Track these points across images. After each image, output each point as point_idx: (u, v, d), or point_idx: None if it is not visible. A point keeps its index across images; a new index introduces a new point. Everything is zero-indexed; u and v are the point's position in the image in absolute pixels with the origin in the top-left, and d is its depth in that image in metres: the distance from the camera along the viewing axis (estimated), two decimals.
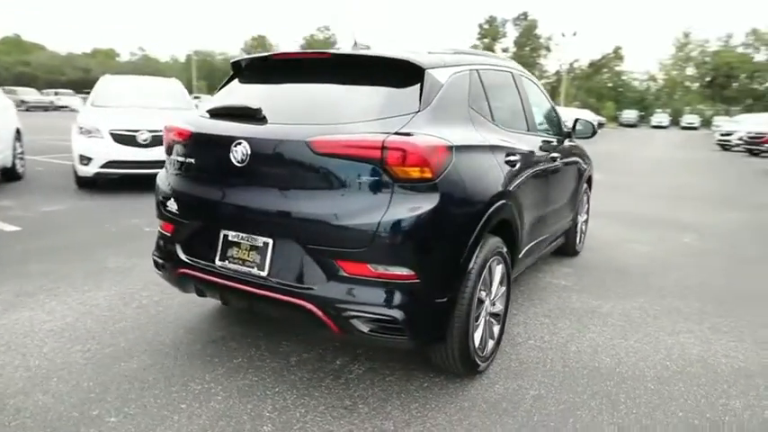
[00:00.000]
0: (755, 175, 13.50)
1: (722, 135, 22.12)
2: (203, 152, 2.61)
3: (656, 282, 4.41)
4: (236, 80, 2.91)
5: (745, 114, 33.66)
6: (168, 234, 2.76)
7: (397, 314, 2.16)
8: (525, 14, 66.89)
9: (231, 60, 2.98)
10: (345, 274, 2.19)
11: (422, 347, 2.61)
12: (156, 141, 7.33)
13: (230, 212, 2.47)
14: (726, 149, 21.66)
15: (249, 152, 2.35)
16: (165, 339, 3.04)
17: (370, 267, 2.16)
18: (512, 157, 2.88)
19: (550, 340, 3.19)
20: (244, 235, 2.43)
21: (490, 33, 67.84)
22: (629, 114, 54.78)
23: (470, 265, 2.39)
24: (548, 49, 67.71)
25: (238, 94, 2.79)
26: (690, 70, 61.52)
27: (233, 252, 2.46)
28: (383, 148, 2.12)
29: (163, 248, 2.82)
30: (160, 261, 2.82)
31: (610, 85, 66.02)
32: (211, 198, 2.53)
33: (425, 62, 2.44)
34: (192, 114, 2.82)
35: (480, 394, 2.57)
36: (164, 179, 2.81)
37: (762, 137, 18.65)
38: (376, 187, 2.15)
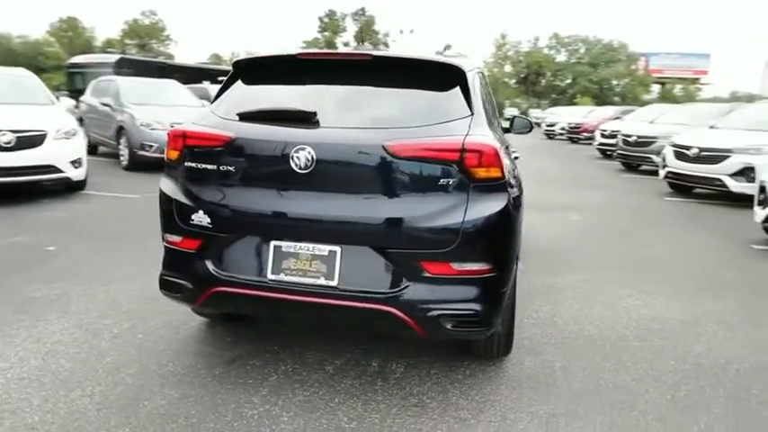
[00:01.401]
0: (584, 159, 15.90)
1: (548, 125, 25.54)
2: (250, 159, 2.41)
3: (579, 256, 5.10)
4: (243, 80, 2.70)
5: (560, 107, 39.19)
6: (192, 251, 2.48)
7: (478, 307, 2.28)
8: (363, 10, 68.87)
9: (235, 60, 2.76)
10: (429, 275, 2.24)
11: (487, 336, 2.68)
12: (22, 144, 6.24)
13: (285, 222, 2.34)
14: (551, 138, 25.05)
15: (314, 158, 2.24)
16: (176, 368, 2.73)
17: (452, 266, 2.24)
18: (511, 154, 3.14)
19: (538, 317, 3.56)
20: (303, 245, 2.32)
21: (331, 27, 68.50)
22: None
23: (518, 254, 2.60)
24: (386, 45, 70.60)
25: (268, 95, 2.61)
26: (507, 68, 69.37)
27: (289, 264, 2.33)
28: (462, 150, 2.21)
29: (183, 267, 2.53)
30: (179, 282, 2.52)
31: None
32: (259, 208, 2.36)
33: (463, 65, 2.55)
34: (209, 118, 2.56)
35: (518, 372, 2.80)
36: (178, 189, 2.51)
37: (579, 127, 21.98)
38: (454, 188, 2.23)
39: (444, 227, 2.21)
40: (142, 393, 2.48)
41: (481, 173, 2.24)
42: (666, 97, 58.88)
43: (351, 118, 2.40)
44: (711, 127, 9.41)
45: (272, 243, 2.35)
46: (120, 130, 9.65)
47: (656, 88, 63.17)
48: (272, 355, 2.90)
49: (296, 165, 2.27)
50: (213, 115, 2.57)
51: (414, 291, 2.24)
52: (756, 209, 5.76)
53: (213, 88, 14.75)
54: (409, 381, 2.68)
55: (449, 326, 2.26)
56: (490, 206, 2.27)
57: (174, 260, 2.58)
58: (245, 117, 2.45)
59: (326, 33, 69.05)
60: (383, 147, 2.22)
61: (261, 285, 2.35)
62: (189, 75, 18.80)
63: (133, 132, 9.32)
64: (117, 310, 3.40)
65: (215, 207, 2.40)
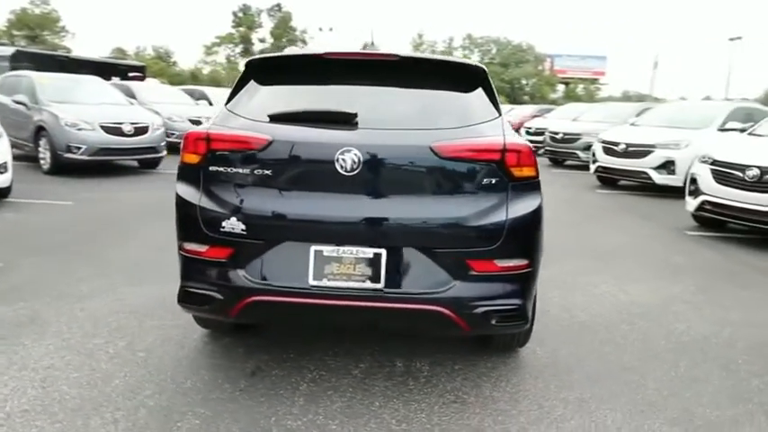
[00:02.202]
0: None
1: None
2: (290, 162, 2.32)
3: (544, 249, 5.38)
4: (259, 80, 2.59)
5: None
6: (222, 260, 2.35)
7: (519, 302, 2.36)
8: (279, 6, 67.45)
9: (249, 58, 2.64)
10: (475, 273, 2.29)
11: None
12: None
13: (327, 226, 2.28)
14: None
15: (361, 159, 2.21)
16: (196, 385, 2.57)
17: (496, 263, 2.30)
18: None
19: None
20: (346, 248, 2.28)
21: (245, 22, 66.44)
22: None
23: None
24: (304, 42, 69.70)
25: (294, 96, 2.52)
26: None
27: (332, 268, 2.28)
28: (503, 150, 2.27)
29: (210, 278, 2.38)
30: (207, 294, 2.38)
31: None
32: (300, 212, 2.28)
33: (481, 66, 2.62)
34: (232, 119, 2.43)
35: (535, 361, 2.93)
36: (203, 195, 2.36)
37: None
38: (496, 187, 2.30)
39: (489, 225, 2.27)
40: (171, 415, 2.32)
41: (519, 172, 2.32)
42: (570, 96, 63.09)
43: (389, 119, 2.39)
44: (633, 124, 10.26)
45: (313, 248, 2.29)
46: (40, 131, 8.81)
47: (561, 88, 67.55)
48: (293, 363, 2.81)
49: (341, 167, 2.23)
50: (236, 117, 2.44)
51: (460, 289, 2.28)
52: (688, 199, 6.38)
53: (139, 86, 13.86)
54: (439, 378, 2.72)
55: (494, 321, 2.32)
56: (528, 204, 2.36)
57: (198, 270, 2.42)
58: (278, 118, 2.36)
59: (241, 29, 66.95)
60: (430, 148, 2.24)
61: (302, 292, 2.28)
62: (95, 70, 17.36)
63: (56, 133, 8.54)
64: (103, 328, 3.14)
65: (250, 213, 2.29)
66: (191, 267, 2.45)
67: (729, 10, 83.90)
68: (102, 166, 9.11)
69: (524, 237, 2.35)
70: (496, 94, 2.61)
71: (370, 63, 2.54)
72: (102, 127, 8.65)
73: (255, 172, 2.30)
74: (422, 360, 2.89)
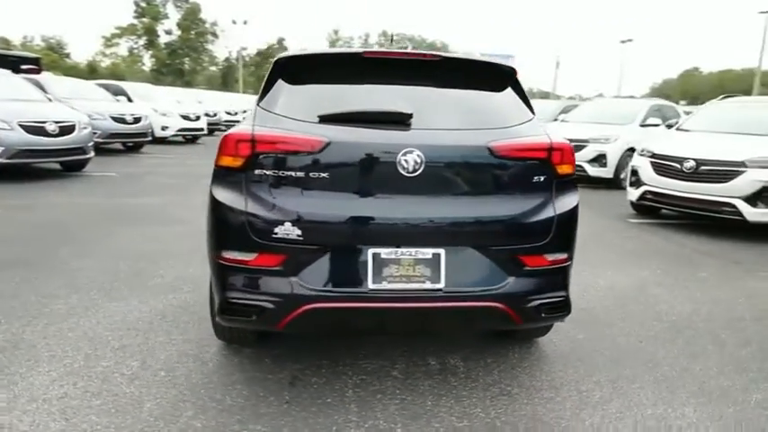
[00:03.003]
0: None
1: None
2: (349, 164, 2.25)
3: None
4: (293, 79, 2.48)
5: None
6: (273, 267, 2.24)
7: (564, 294, 2.47)
8: None
9: (279, 56, 2.52)
10: (528, 268, 2.36)
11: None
12: None
13: (386, 228, 2.25)
14: None
15: (423, 160, 2.19)
16: (237, 401, 2.44)
17: (546, 257, 2.39)
18: None
19: None
20: (405, 250, 2.26)
21: (149, 13, 62.48)
22: None
23: None
24: (214, 35, 66.90)
25: (337, 95, 2.43)
26: None
27: (391, 271, 2.25)
28: (550, 148, 2.36)
29: (260, 287, 2.26)
30: (256, 304, 2.25)
31: None
32: (358, 215, 2.23)
33: (513, 67, 2.70)
34: (275, 120, 2.31)
35: (558, 349, 3.07)
36: (250, 200, 2.23)
37: None
38: (544, 184, 2.38)
39: (541, 221, 2.35)
40: None
41: (562, 169, 2.42)
42: None
43: (439, 119, 2.38)
44: (563, 121, 10.95)
45: (371, 251, 2.24)
46: None
47: None
48: (328, 370, 2.74)
49: (403, 168, 2.20)
50: (278, 117, 2.33)
51: (515, 284, 2.34)
52: (630, 189, 6.93)
53: (48, 80, 12.59)
54: (476, 373, 2.77)
55: (543, 314, 2.41)
56: (570, 199, 2.47)
57: (244, 280, 2.29)
58: (330, 119, 2.27)
59: (145, 20, 62.93)
60: (488, 147, 2.28)
61: (361, 296, 2.24)
62: None
63: None
64: (105, 349, 2.87)
65: (306, 217, 2.20)
66: (234, 277, 2.31)
67: (622, 13, 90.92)
68: (19, 170, 8.23)
69: (568, 231, 2.46)
70: (526, 94, 2.70)
71: (407, 62, 2.52)
72: (23, 126, 7.80)
73: (311, 175, 2.21)
74: (453, 356, 2.93)
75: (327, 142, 2.19)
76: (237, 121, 22.86)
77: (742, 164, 5.73)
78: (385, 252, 2.25)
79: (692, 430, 2.34)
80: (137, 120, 12.27)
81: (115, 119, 11.84)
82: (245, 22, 53.90)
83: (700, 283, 4.39)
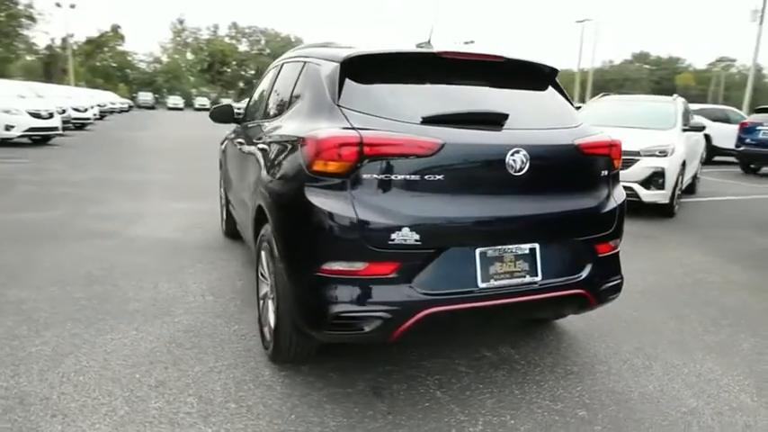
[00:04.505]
0: None
1: None
2: (461, 165, 2.21)
3: None
4: (357, 79, 2.38)
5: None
6: (386, 275, 2.14)
7: (621, 276, 2.73)
8: None
9: (349, 54, 2.39)
10: (600, 255, 2.57)
11: None
12: None
13: (492, 227, 2.29)
14: None
15: (528, 159, 2.26)
16: (337, 419, 2.30)
17: (610, 244, 2.63)
18: None
19: None
20: (507, 247, 2.32)
21: None
22: (146, 96, 54.62)
23: None
24: (31, 18, 58.03)
25: (420, 95, 2.40)
26: (189, 55, 66.25)
27: (495, 268, 2.30)
28: (611, 144, 2.60)
29: (373, 297, 2.14)
30: (370, 315, 2.14)
31: (114, 65, 63.18)
32: (471, 215, 2.24)
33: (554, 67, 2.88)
34: (373, 121, 2.19)
35: (579, 327, 3.36)
36: (361, 207, 2.10)
37: None
38: (606, 178, 2.61)
39: (609, 211, 2.57)
40: None
41: (617, 163, 2.68)
42: None
43: (524, 119, 2.46)
44: None
45: (478, 250, 2.26)
46: None
47: None
48: (399, 375, 2.69)
49: (511, 168, 2.25)
50: (377, 118, 2.21)
51: (593, 271, 2.53)
52: None
53: None
54: (532, 357, 2.94)
55: (609, 295, 2.65)
56: (620, 190, 2.73)
57: (355, 292, 2.15)
58: (434, 120, 2.22)
59: None
60: (576, 145, 2.42)
61: (473, 296, 2.25)
62: None
63: None
64: (142, 388, 2.47)
65: (423, 221, 2.14)
66: (341, 290, 2.15)
67: None
68: None
69: (623, 219, 2.72)
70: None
71: (474, 63, 2.56)
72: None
73: (426, 177, 2.15)
74: (502, 345, 3.06)
75: (442, 144, 2.16)
76: (88, 119, 20.35)
77: (637, 153, 6.70)
78: (490, 250, 2.29)
79: (728, 380, 2.76)
80: None
81: (32, 114, 9.73)
82: (72, 6, 47.47)
83: (630, 257, 5.07)
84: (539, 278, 2.38)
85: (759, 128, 11.84)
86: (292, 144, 2.46)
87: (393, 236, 2.11)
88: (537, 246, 2.38)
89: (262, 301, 2.92)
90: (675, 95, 8.54)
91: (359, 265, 2.14)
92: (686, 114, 8.16)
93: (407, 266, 2.17)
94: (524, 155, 2.28)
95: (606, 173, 2.61)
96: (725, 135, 13.44)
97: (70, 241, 4.88)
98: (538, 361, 2.90)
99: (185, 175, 9.39)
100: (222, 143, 5.05)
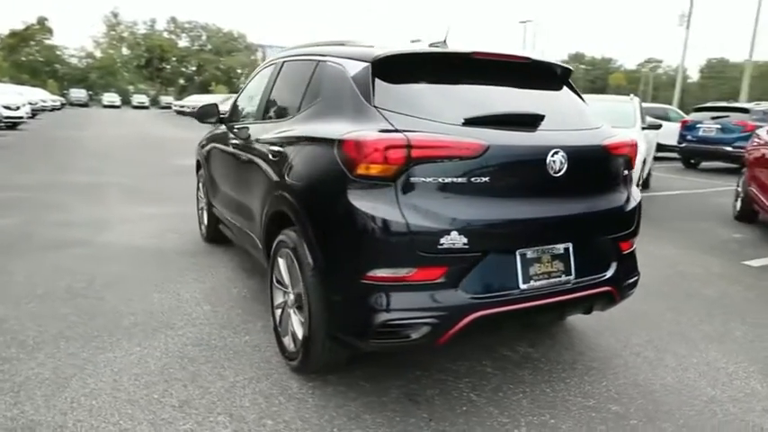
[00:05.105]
0: None
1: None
2: (504, 166, 2.19)
3: None
4: (387, 79, 2.33)
5: (200, 95, 38.90)
6: (433, 281, 2.10)
7: (638, 272, 2.81)
8: None
9: (380, 54, 2.32)
10: (623, 253, 2.63)
11: None
12: None
13: (532, 228, 2.29)
14: None
15: (566, 160, 2.27)
16: (383, 428, 2.22)
17: (631, 242, 2.70)
18: None
19: None
20: (544, 247, 2.33)
21: None
22: (79, 93, 51.56)
23: None
24: None
25: (455, 96, 2.36)
26: (125, 50, 63.05)
27: (535, 269, 2.31)
28: (631, 145, 2.66)
29: (420, 303, 2.09)
30: (418, 322, 2.09)
31: (42, 59, 59.18)
32: (514, 217, 2.23)
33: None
34: (427, 125, 2.14)
35: (582, 320, 3.43)
36: (409, 212, 2.04)
37: None
38: (625, 177, 2.68)
39: (632, 210, 2.64)
40: None
41: (633, 163, 2.75)
42: None
43: (557, 120, 2.46)
44: None
45: (518, 252, 2.26)
46: None
47: None
48: (429, 380, 2.65)
49: (551, 169, 2.26)
50: (418, 120, 2.16)
51: (618, 268, 2.59)
52: None
53: None
54: (551, 355, 2.98)
55: (629, 292, 2.72)
56: (636, 189, 2.81)
57: (402, 298, 2.09)
58: (475, 122, 2.19)
59: None
60: (603, 146, 2.47)
61: (515, 298, 2.25)
62: None
63: None
64: (164, 408, 2.31)
65: (471, 224, 2.10)
66: (388, 297, 2.09)
67: None
68: None
69: (641, 217, 2.80)
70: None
71: (503, 64, 2.55)
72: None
73: (472, 180, 2.12)
74: (519, 344, 3.07)
75: (488, 146, 2.13)
76: (20, 118, 18.97)
77: None
78: (530, 252, 2.30)
79: (733, 367, 2.91)
80: None
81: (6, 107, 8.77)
82: None
83: None
84: (572, 277, 2.41)
85: (699, 126, 12.62)
86: (322, 146, 2.36)
87: (442, 240, 2.07)
88: (570, 245, 2.41)
89: (280, 310, 2.81)
90: (632, 95, 8.94)
91: (406, 271, 2.09)
92: (642, 113, 8.58)
93: (454, 270, 2.13)
94: (563, 156, 2.29)
95: (627, 172, 2.68)
96: (666, 133, 14.23)
97: (37, 251, 4.52)
98: (557, 358, 2.94)
99: (145, 177, 8.94)
100: (203, 145, 4.81)
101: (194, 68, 63.49)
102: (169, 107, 44.43)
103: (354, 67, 2.45)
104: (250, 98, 3.95)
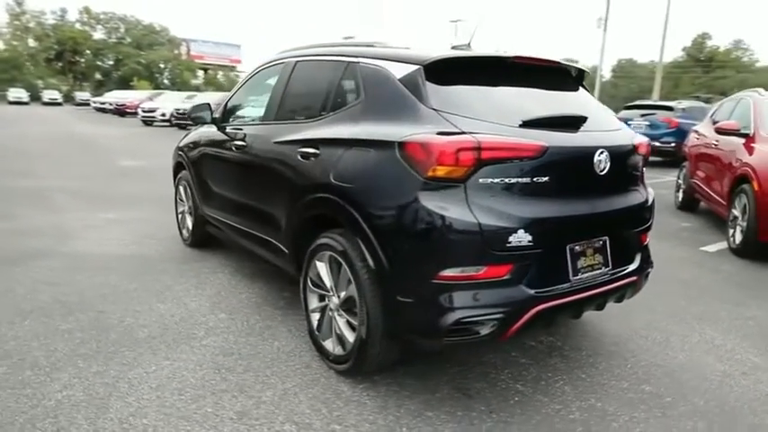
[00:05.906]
0: None
1: (145, 112, 23.99)
2: (560, 166, 2.30)
3: None
4: (436, 81, 2.38)
5: (123, 91, 36.66)
6: (501, 278, 2.17)
7: (652, 262, 3.03)
8: None
9: (440, 57, 2.36)
10: (644, 245, 2.84)
11: None
12: None
13: (580, 224, 2.42)
14: (149, 125, 23.69)
15: (609, 160, 2.42)
16: (450, 427, 2.27)
17: (647, 234, 2.91)
18: None
19: None
20: (587, 242, 2.47)
21: None
22: None
23: None
24: None
25: (499, 98, 2.46)
26: (32, 42, 58.03)
27: (581, 262, 2.44)
28: (648, 144, 2.87)
29: (489, 299, 2.16)
30: (487, 318, 2.15)
31: None
32: (568, 214, 2.35)
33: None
34: (489, 127, 2.20)
35: (612, 312, 3.65)
36: (480, 212, 2.10)
37: (184, 113, 21.78)
38: (642, 174, 2.88)
39: (651, 204, 2.85)
40: None
41: (646, 161, 2.96)
42: (211, 83, 63.20)
43: (595, 121, 2.60)
44: None
45: (568, 246, 2.39)
46: None
47: (201, 74, 66.73)
48: (472, 373, 2.73)
49: (597, 167, 2.39)
50: (479, 122, 2.21)
51: (640, 259, 2.79)
52: None
53: None
54: (572, 345, 3.14)
55: (646, 281, 2.94)
56: (648, 186, 3.03)
57: (473, 296, 2.14)
58: (531, 124, 2.28)
59: None
60: (634, 145, 2.65)
61: (568, 291, 2.37)
62: None
63: None
64: (225, 422, 2.23)
65: (536, 223, 2.19)
66: (460, 295, 2.14)
67: None
68: None
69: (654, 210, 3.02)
70: None
71: (536, 68, 2.67)
72: None
73: (533, 179, 2.21)
74: (538, 334, 3.23)
75: (547, 147, 2.23)
76: None
77: None
78: (577, 246, 2.43)
79: (731, 344, 3.21)
80: None
81: None
82: None
83: None
84: (610, 269, 2.57)
85: (630, 122, 13.55)
86: (376, 148, 2.36)
87: (510, 238, 2.15)
88: (606, 238, 2.57)
89: (317, 314, 2.78)
90: None
91: (478, 270, 2.15)
92: None
93: (519, 267, 2.22)
94: (607, 155, 2.44)
95: (644, 170, 2.89)
96: None
97: (4, 265, 4.13)
98: (579, 345, 3.12)
99: (89, 179, 8.37)
100: (189, 147, 4.57)
101: (112, 62, 59.63)
102: (87, 104, 41.47)
103: (401, 70, 2.46)
104: (251, 99, 3.83)
